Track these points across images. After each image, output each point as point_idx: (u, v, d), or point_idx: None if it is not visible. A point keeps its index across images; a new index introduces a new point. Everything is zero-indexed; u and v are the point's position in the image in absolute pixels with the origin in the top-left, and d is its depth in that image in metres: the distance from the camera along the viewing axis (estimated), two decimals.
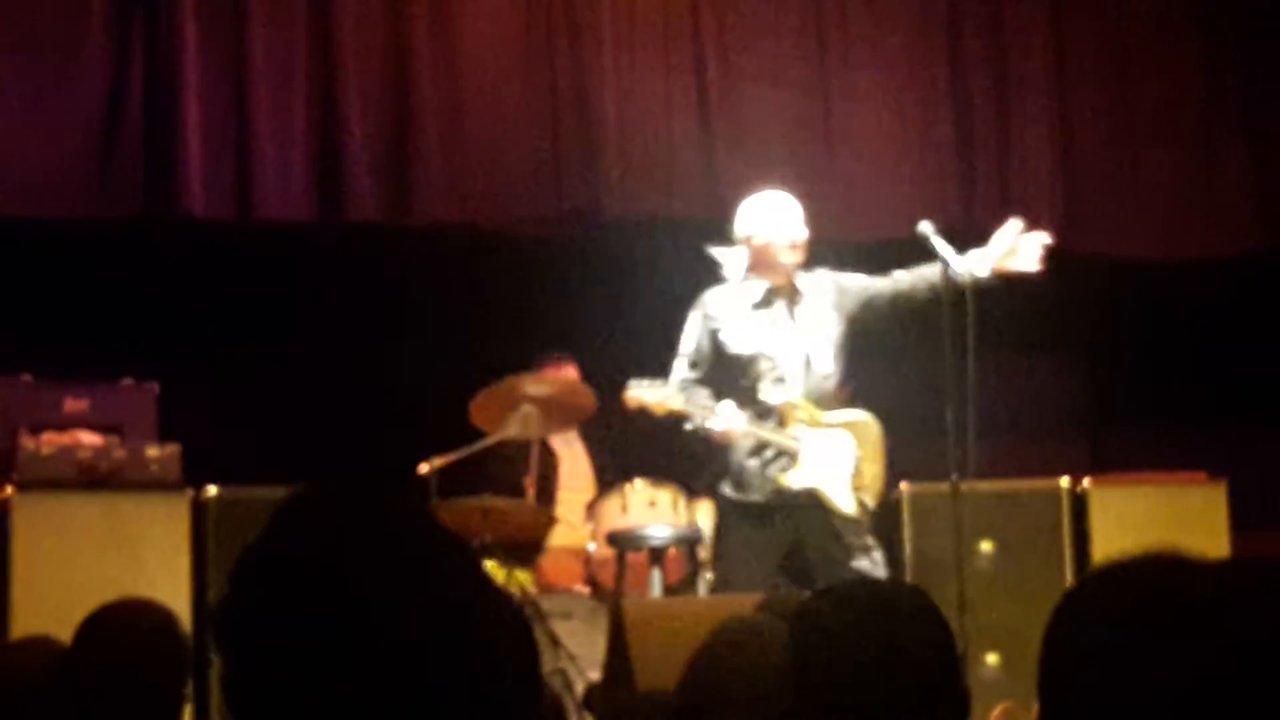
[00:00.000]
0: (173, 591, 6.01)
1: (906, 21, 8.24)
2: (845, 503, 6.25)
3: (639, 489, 6.92)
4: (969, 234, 6.80)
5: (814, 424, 6.26)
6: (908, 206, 7.46)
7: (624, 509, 6.91)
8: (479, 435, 6.91)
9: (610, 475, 7.43)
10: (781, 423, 6.27)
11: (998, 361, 7.01)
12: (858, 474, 6.31)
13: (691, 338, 6.39)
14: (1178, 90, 8.44)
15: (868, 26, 8.17)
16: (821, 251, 6.51)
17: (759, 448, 6.28)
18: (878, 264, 6.59)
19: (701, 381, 6.33)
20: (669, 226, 7.77)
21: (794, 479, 6.23)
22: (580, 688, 6.33)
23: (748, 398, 6.28)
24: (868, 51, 8.16)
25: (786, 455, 6.25)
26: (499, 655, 1.33)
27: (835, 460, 6.28)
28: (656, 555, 6.78)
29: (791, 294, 6.37)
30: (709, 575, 6.84)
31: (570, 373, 7.54)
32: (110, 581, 5.71)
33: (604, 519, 6.96)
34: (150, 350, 7.41)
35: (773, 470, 6.26)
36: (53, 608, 5.57)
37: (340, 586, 1.29)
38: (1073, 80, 8.37)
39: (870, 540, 6.33)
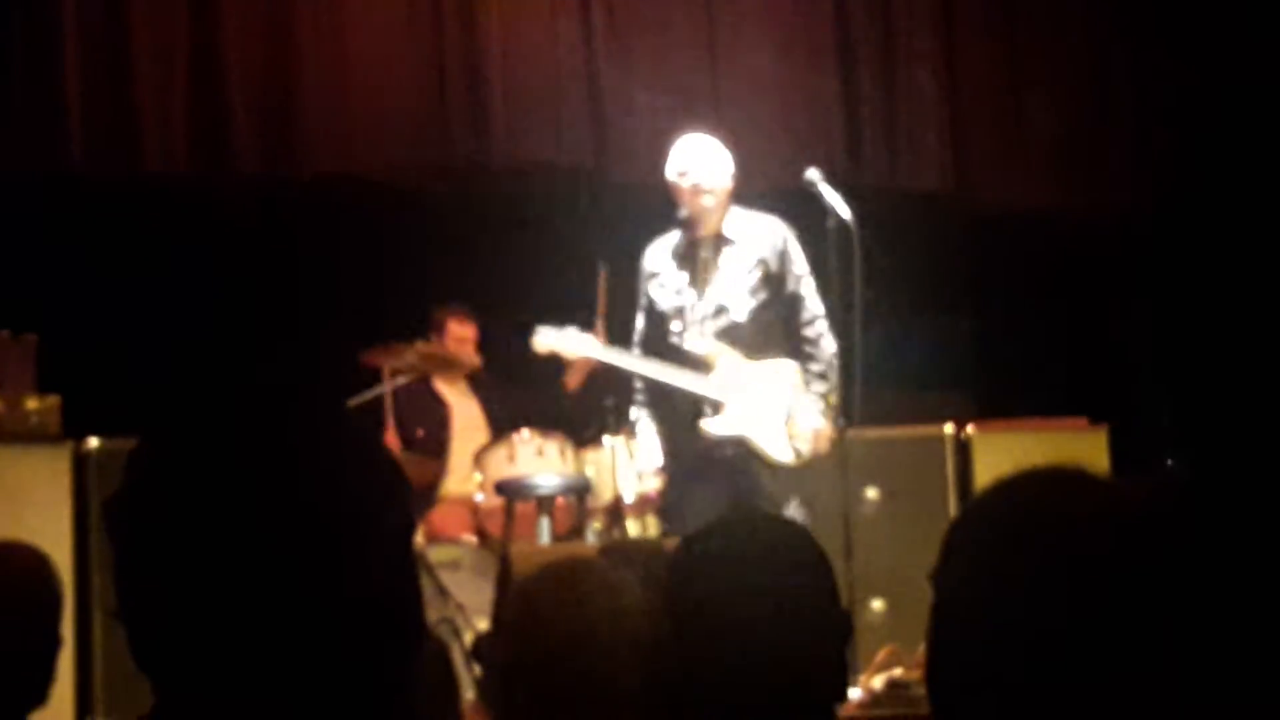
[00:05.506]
0: (55, 543, 5.88)
1: None
2: (777, 450, 6.22)
3: (526, 438, 6.89)
4: (856, 183, 6.81)
5: (739, 371, 6.21)
6: (795, 156, 7.47)
7: (511, 458, 6.88)
8: (372, 384, 6.94)
9: (501, 425, 7.41)
10: (705, 371, 6.24)
11: (883, 309, 7.05)
12: (792, 420, 6.27)
13: (640, 291, 6.41)
14: (1065, 41, 8.50)
15: None
16: None
17: (688, 399, 6.24)
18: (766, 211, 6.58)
19: (650, 333, 6.35)
20: (560, 175, 7.76)
21: (717, 425, 6.20)
22: (469, 637, 6.31)
23: (671, 349, 6.27)
24: (754, 1, 8.15)
25: (710, 404, 6.22)
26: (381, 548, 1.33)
27: (766, 407, 6.25)
28: (545, 504, 6.76)
29: (717, 242, 6.30)
30: (596, 524, 6.84)
31: (468, 330, 7.52)
32: None
33: (491, 468, 6.92)
34: (28, 301, 7.28)
35: (699, 419, 6.22)
36: None
37: (230, 475, 1.28)
38: (959, 29, 8.41)
39: (797, 488, 6.24)
